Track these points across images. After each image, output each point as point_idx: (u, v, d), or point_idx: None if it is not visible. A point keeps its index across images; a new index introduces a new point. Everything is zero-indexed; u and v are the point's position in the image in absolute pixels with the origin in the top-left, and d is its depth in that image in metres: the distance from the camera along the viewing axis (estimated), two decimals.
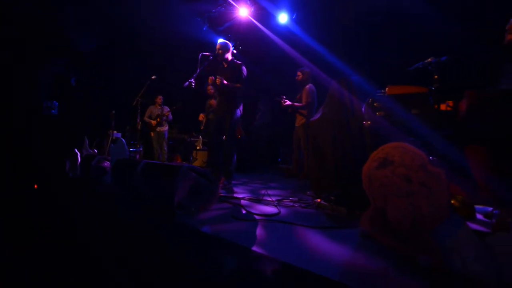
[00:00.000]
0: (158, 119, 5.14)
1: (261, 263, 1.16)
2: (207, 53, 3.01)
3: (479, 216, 1.85)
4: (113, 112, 5.11)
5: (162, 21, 5.94)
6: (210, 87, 4.59)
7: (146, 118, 5.30)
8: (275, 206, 2.05)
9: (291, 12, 5.56)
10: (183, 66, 4.52)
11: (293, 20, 5.58)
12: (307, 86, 3.83)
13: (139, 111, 4.54)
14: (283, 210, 1.95)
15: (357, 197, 1.80)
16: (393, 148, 1.23)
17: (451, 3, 3.69)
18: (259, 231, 1.48)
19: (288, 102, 3.85)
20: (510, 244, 0.92)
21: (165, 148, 5.25)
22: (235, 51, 6.71)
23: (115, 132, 4.95)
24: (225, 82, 2.91)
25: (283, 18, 5.56)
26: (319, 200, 2.04)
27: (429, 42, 3.86)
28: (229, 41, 6.61)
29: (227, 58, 3.11)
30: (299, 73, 3.96)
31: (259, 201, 2.25)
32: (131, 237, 1.78)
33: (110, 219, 2.07)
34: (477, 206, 1.92)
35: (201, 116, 5.07)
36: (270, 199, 2.25)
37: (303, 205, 2.10)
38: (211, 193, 2.07)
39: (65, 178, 3.48)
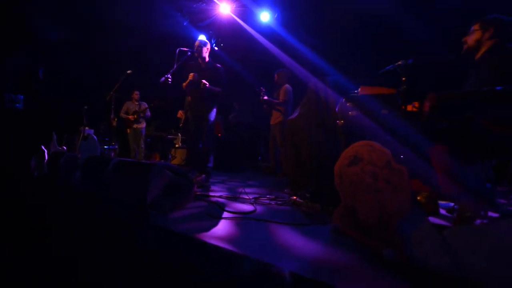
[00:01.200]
0: (135, 116, 4.95)
1: (233, 261, 1.15)
2: (185, 49, 2.94)
3: (442, 211, 1.97)
4: (85, 107, 4.85)
5: (140, 13, 5.72)
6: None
7: (122, 114, 5.08)
8: (252, 204, 2.06)
9: (273, 11, 5.58)
10: (161, 61, 4.37)
11: (275, 19, 5.61)
12: (285, 86, 3.97)
13: (113, 106, 4.34)
14: (259, 208, 1.96)
15: (331, 194, 1.85)
16: (361, 146, 1.28)
17: (426, 9, 3.91)
18: (233, 229, 1.48)
19: (266, 97, 3.91)
20: (465, 237, 0.98)
21: (142, 146, 5.07)
22: (216, 48, 6.63)
23: (87, 128, 4.70)
24: (204, 81, 2.87)
25: (265, 16, 5.56)
26: (295, 197, 2.07)
27: (405, 45, 4.07)
28: (211, 38, 6.55)
29: (205, 57, 3.06)
30: (276, 75, 4.09)
31: (236, 199, 2.25)
32: (99, 239, 1.70)
33: (77, 220, 1.96)
34: (440, 202, 2.05)
35: (180, 113, 4.93)
36: (247, 197, 2.25)
37: (279, 202, 2.12)
38: (186, 191, 2.03)
39: (30, 177, 3.25)
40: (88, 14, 5.53)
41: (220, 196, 2.33)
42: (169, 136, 6.19)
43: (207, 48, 3.09)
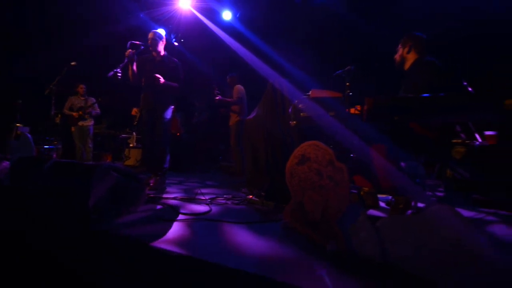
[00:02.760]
0: (81, 112, 4.49)
1: (181, 264, 1.12)
2: (137, 42, 2.76)
3: (382, 204, 2.18)
4: (19, 101, 4.24)
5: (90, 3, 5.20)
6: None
7: (66, 110, 4.57)
8: (208, 204, 2.02)
9: (235, 10, 5.56)
10: (112, 54, 4.04)
11: (237, 18, 5.60)
12: (236, 86, 4.07)
13: (53, 101, 3.88)
14: (215, 208, 1.94)
15: (284, 192, 1.92)
16: (309, 146, 1.35)
17: (382, 15, 4.31)
18: (185, 231, 1.44)
19: (219, 97, 3.91)
20: (393, 227, 1.10)
21: (90, 146, 4.62)
22: (176, 43, 6.37)
23: (21, 126, 4.11)
24: (162, 80, 2.72)
25: (227, 15, 5.52)
26: (250, 196, 2.10)
27: (357, 50, 4.44)
28: (170, 33, 6.26)
29: (160, 51, 2.91)
30: (228, 78, 4.20)
31: (192, 200, 2.19)
32: (32, 249, 1.50)
33: (7, 228, 1.70)
34: (380, 196, 2.27)
35: (134, 111, 4.63)
36: (203, 198, 2.21)
37: (235, 202, 2.13)
38: (136, 194, 1.91)
39: None
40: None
41: (175, 198, 2.24)
42: (123, 135, 5.77)
43: (163, 42, 2.94)
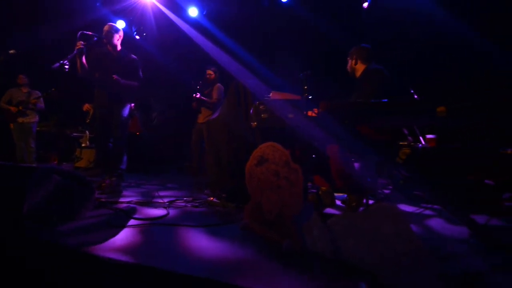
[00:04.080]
0: (21, 107, 3.97)
1: (127, 273, 1.04)
2: (89, 33, 2.53)
3: (338, 203, 2.30)
4: None
5: None
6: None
7: (3, 104, 4.01)
8: (165, 208, 1.93)
9: (201, 7, 5.43)
10: (68, 47, 3.62)
11: (203, 15, 5.47)
12: (218, 84, 3.89)
13: None
14: (173, 212, 1.85)
15: (246, 193, 1.92)
16: (267, 147, 1.36)
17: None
18: (136, 237, 1.34)
19: (198, 95, 3.73)
20: (343, 224, 1.16)
21: (32, 145, 4.11)
22: (137, 37, 6.01)
23: None
24: (115, 77, 2.53)
25: (193, 11, 5.36)
26: (211, 198, 2.06)
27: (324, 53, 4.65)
28: (131, 25, 5.88)
29: (116, 45, 2.71)
30: (211, 72, 3.91)
31: (149, 203, 2.07)
32: None
33: None
34: (337, 194, 2.39)
35: (86, 107, 4.25)
36: (162, 201, 2.11)
37: (196, 204, 2.07)
38: (83, 199, 1.74)
39: None
40: None
41: (130, 202, 2.10)
42: (74, 134, 5.25)
43: (120, 35, 2.74)
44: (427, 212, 2.10)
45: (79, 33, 2.51)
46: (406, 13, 4.13)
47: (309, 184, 2.97)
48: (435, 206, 2.22)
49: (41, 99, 4.18)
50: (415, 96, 2.77)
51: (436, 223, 1.81)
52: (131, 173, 3.77)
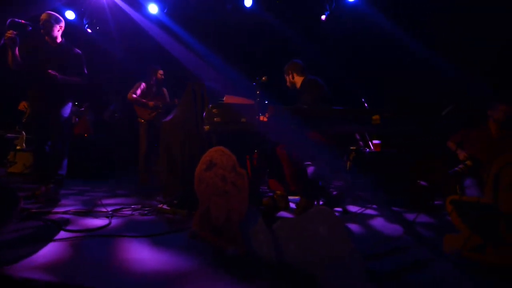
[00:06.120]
0: None
1: None
2: (22, 21, 2.23)
3: (292, 205, 2.35)
4: None
5: None
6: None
7: None
8: (107, 217, 1.77)
9: (162, 5, 5.21)
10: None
11: (164, 12, 5.24)
12: (165, 88, 3.72)
13: None
14: (116, 221, 1.70)
15: (197, 199, 1.85)
16: (215, 151, 1.33)
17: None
18: (64, 252, 1.20)
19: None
20: (287, 228, 1.17)
21: None
22: (89, 30, 5.52)
23: None
24: (51, 71, 2.26)
25: (153, 8, 5.11)
26: (161, 205, 1.95)
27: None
28: (82, 17, 5.37)
29: (56, 37, 2.44)
30: (162, 72, 3.73)
31: (89, 213, 1.88)
32: None
33: None
34: (292, 197, 2.46)
35: (23, 105, 3.76)
36: (105, 210, 1.93)
37: (144, 212, 1.93)
38: (4, 210, 1.50)
39: None
40: None
41: (66, 212, 1.88)
42: (8, 135, 4.59)
43: (61, 26, 2.47)
44: (370, 211, 2.25)
45: (9, 20, 2.19)
46: (359, 26, 4.54)
47: (265, 187, 3.00)
48: (374, 206, 2.39)
49: None
50: (366, 105, 3.01)
51: (378, 223, 1.95)
52: (76, 180, 3.41)
